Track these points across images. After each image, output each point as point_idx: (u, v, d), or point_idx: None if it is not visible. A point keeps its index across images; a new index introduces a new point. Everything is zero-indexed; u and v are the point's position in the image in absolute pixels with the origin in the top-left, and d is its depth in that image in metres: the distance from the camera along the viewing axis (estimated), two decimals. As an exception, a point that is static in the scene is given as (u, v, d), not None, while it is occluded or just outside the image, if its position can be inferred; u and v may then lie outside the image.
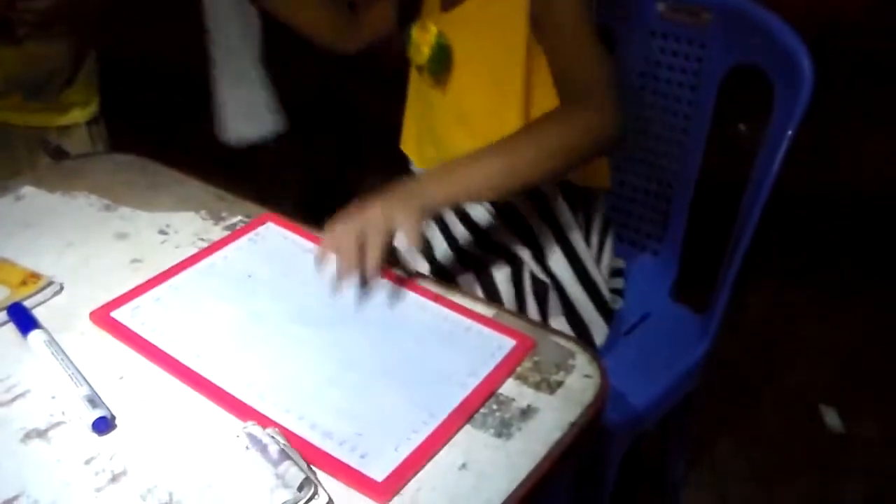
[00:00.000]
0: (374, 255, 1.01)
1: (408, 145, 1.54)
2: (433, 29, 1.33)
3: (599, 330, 1.43)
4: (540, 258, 1.40)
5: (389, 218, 1.02)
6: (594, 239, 1.46)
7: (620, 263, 1.60)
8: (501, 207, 1.40)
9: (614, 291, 1.54)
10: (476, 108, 1.37)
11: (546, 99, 1.28)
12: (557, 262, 1.41)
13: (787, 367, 2.26)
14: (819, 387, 2.19)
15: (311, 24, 1.49)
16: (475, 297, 1.06)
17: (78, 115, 1.69)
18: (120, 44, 1.84)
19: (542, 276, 1.39)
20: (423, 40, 1.34)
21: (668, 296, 1.64)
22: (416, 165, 1.52)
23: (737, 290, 1.45)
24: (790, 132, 1.33)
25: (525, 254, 1.40)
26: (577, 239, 1.41)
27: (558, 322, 1.40)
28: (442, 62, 1.35)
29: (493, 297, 1.37)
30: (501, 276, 1.39)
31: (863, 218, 2.86)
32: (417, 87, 1.48)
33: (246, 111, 1.90)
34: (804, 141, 1.35)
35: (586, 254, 1.42)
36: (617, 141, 1.19)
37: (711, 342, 1.50)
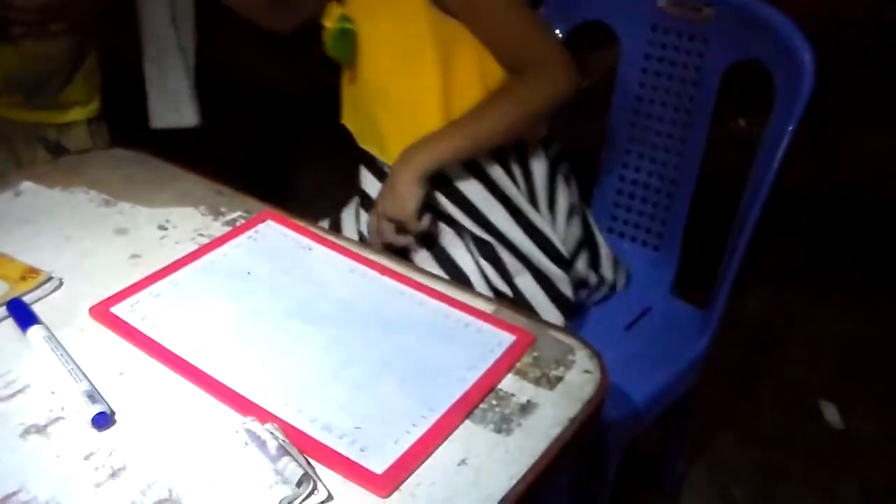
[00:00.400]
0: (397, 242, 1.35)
1: (347, 119, 1.53)
2: (336, 12, 1.35)
3: (562, 281, 1.42)
4: (480, 219, 1.41)
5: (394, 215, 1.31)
6: (540, 190, 1.45)
7: (606, 251, 1.60)
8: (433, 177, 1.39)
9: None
10: (390, 85, 1.38)
11: (465, 69, 1.33)
12: (500, 219, 1.41)
13: (786, 363, 2.26)
14: (819, 383, 2.19)
15: (246, 4, 1.48)
16: (475, 293, 1.06)
17: (79, 113, 1.69)
18: (120, 41, 1.83)
19: (484, 235, 1.40)
20: (328, 23, 1.36)
21: (668, 291, 1.64)
22: (357, 139, 1.51)
23: (737, 286, 1.45)
24: (791, 127, 1.33)
25: (464, 219, 1.41)
26: (514, 194, 1.42)
27: (525, 279, 1.41)
28: (343, 45, 1.36)
29: (456, 276, 1.39)
30: (460, 252, 1.41)
31: (862, 214, 2.86)
32: (344, 76, 1.49)
33: (167, 98, 1.92)
34: (804, 137, 1.35)
35: (528, 207, 1.42)
36: (573, 94, 1.32)
37: (711, 338, 1.50)
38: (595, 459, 1.42)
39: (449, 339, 0.96)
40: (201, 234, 1.14)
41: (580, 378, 0.92)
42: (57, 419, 0.85)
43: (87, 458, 0.81)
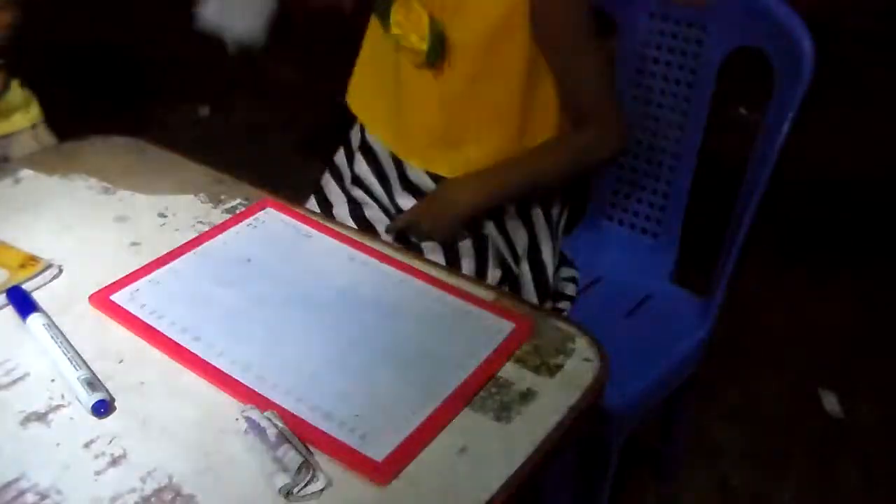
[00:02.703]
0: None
1: (355, 102, 1.51)
2: (425, 18, 1.27)
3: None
4: (503, 232, 1.42)
5: (431, 231, 1.38)
6: (554, 213, 1.47)
7: (575, 273, 1.60)
8: None
9: (566, 297, 1.54)
10: (472, 92, 1.35)
11: (546, 102, 1.33)
12: (521, 245, 1.43)
13: (786, 351, 2.26)
14: (818, 370, 2.19)
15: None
16: (475, 281, 1.06)
17: (22, 120, 1.62)
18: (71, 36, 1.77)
19: (508, 257, 1.43)
20: (410, 25, 1.28)
21: (668, 279, 1.64)
22: (364, 122, 1.51)
23: (736, 272, 1.45)
24: (791, 115, 1.32)
25: (490, 228, 1.42)
26: (537, 214, 1.44)
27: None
28: (437, 48, 1.30)
29: (454, 264, 1.41)
30: (464, 245, 1.41)
31: (863, 199, 2.86)
32: (383, 55, 1.42)
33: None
34: (803, 122, 1.34)
35: (545, 233, 1.44)
36: (622, 153, 1.39)
37: (711, 326, 1.50)
38: (595, 447, 1.42)
39: (449, 327, 0.96)
40: (201, 222, 1.14)
41: (580, 366, 0.92)
42: (57, 407, 0.85)
43: (87, 445, 0.81)
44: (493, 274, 1.41)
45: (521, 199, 1.41)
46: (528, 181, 1.37)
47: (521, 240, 1.44)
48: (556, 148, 1.37)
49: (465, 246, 1.41)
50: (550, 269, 1.47)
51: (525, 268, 1.45)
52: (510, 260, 1.43)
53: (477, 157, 1.37)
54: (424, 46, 1.28)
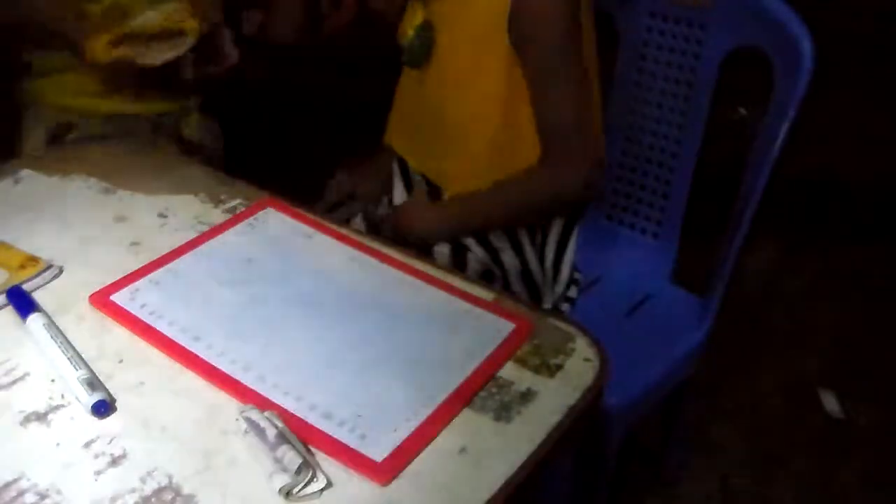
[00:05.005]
0: None
1: (390, 137, 1.52)
2: (420, 14, 1.32)
3: None
4: (490, 249, 1.41)
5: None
6: (551, 241, 1.44)
7: (577, 276, 1.59)
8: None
9: (567, 300, 1.54)
10: (450, 102, 1.36)
11: (527, 116, 1.30)
12: (506, 253, 1.42)
13: (785, 351, 2.26)
14: (818, 371, 2.19)
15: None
16: (475, 281, 1.06)
17: (195, 98, 1.58)
18: None
19: (494, 268, 1.41)
20: (409, 23, 1.34)
21: (667, 279, 1.64)
22: (394, 145, 1.52)
23: (735, 272, 1.45)
24: (790, 114, 1.32)
25: (475, 247, 1.40)
26: (525, 242, 1.41)
27: None
28: (422, 50, 1.33)
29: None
30: (442, 250, 1.40)
31: (862, 199, 2.86)
32: (404, 77, 1.47)
33: None
34: (804, 123, 1.34)
35: (531, 253, 1.42)
36: (586, 194, 1.34)
37: (710, 326, 1.50)
38: (595, 447, 1.42)
39: (449, 328, 0.96)
40: (201, 222, 1.14)
41: (580, 366, 0.92)
42: (57, 407, 0.85)
43: (86, 445, 0.81)
44: (473, 267, 1.41)
45: (481, 233, 1.38)
46: (480, 221, 1.37)
47: (506, 252, 1.42)
48: (510, 189, 1.33)
49: (443, 254, 1.41)
50: (540, 282, 1.45)
51: (515, 278, 1.44)
52: (490, 263, 1.42)
53: (453, 170, 1.38)
54: (411, 35, 1.32)
